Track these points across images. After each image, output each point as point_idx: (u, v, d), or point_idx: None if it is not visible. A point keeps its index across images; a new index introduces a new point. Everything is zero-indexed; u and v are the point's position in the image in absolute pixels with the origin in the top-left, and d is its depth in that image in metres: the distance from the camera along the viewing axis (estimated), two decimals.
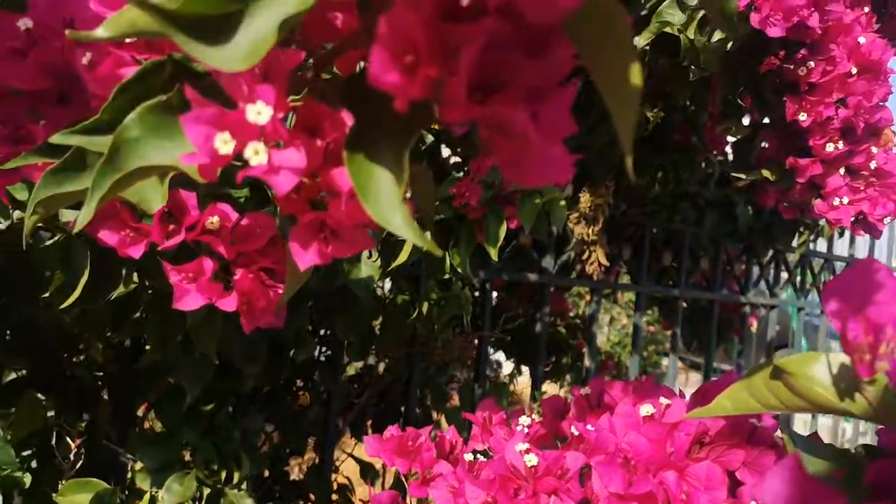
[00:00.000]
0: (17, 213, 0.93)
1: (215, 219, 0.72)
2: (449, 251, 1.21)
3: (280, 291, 0.71)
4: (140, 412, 1.42)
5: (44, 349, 1.19)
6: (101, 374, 1.33)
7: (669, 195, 2.13)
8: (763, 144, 1.29)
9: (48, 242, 0.89)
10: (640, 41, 1.24)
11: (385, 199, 0.50)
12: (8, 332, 1.16)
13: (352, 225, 0.51)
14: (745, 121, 1.42)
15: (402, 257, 1.14)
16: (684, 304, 2.36)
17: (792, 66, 1.16)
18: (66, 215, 0.87)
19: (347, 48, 0.47)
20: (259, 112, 0.52)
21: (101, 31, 0.55)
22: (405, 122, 0.48)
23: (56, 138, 0.64)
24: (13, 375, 1.24)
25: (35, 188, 0.66)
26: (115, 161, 0.58)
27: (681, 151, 2.04)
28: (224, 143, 0.53)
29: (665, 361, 4.13)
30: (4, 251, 0.95)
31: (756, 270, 2.52)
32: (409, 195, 0.63)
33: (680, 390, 0.77)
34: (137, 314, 1.04)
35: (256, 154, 0.53)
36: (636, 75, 0.37)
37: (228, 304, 0.68)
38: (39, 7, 0.67)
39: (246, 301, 0.69)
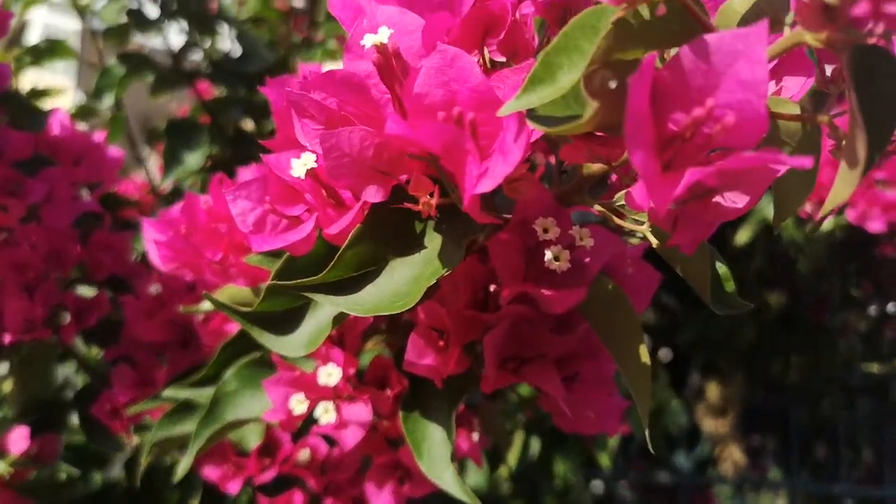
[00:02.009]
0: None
1: (306, 452, 0.76)
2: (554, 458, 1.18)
3: None
4: None
5: None
6: None
7: (812, 380, 1.98)
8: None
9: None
10: (741, 238, 1.24)
11: (436, 456, 0.53)
12: None
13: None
14: (872, 308, 1.34)
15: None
16: None
17: None
18: None
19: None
20: (330, 374, 0.58)
21: (206, 305, 0.64)
22: (451, 388, 0.51)
23: (169, 392, 0.72)
24: None
25: (152, 431, 0.74)
26: (214, 413, 0.65)
27: (817, 332, 1.93)
28: (298, 404, 0.58)
29: None
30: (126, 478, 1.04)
31: None
32: (477, 435, 0.65)
33: None
34: None
35: (326, 413, 0.58)
36: (644, 354, 0.39)
37: None
38: (166, 275, 0.79)
39: None
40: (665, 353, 1.79)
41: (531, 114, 0.28)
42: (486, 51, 0.34)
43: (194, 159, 1.23)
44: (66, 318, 0.86)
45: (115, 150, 0.90)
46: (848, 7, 0.22)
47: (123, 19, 1.21)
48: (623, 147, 0.29)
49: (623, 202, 0.40)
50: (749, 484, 2.00)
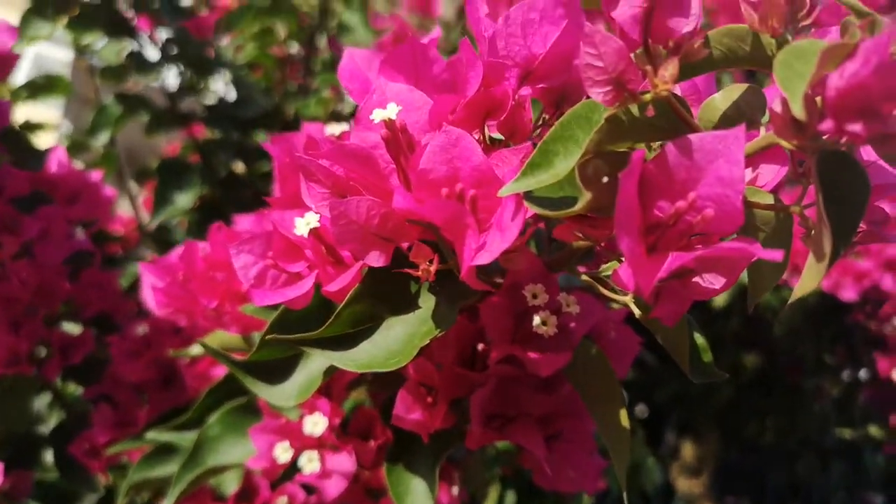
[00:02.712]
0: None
1: (284, 499, 0.76)
2: None
3: None
4: None
5: None
6: None
7: (787, 442, 1.99)
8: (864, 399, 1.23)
9: None
10: (719, 300, 1.27)
11: None
12: None
13: None
14: (846, 373, 1.37)
15: None
16: None
17: (876, 323, 1.14)
18: None
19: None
20: (316, 423, 0.59)
21: (196, 349, 0.65)
22: (436, 442, 0.52)
23: (151, 435, 0.72)
24: None
25: (130, 472, 0.74)
26: (196, 457, 0.66)
27: (792, 394, 1.95)
28: (283, 452, 0.59)
29: None
30: None
31: None
32: (457, 489, 0.66)
33: None
34: None
35: (310, 462, 0.59)
36: (624, 417, 0.41)
37: None
38: (154, 316, 0.80)
39: None
40: (641, 409, 1.80)
41: (528, 195, 0.30)
42: (486, 129, 0.37)
43: (185, 200, 1.24)
44: (47, 352, 0.87)
45: (109, 190, 0.92)
46: (814, 122, 0.25)
47: (122, 59, 1.24)
48: (610, 228, 0.31)
49: (607, 273, 0.42)
50: None
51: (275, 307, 0.48)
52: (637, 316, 0.39)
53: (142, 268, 0.60)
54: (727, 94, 0.31)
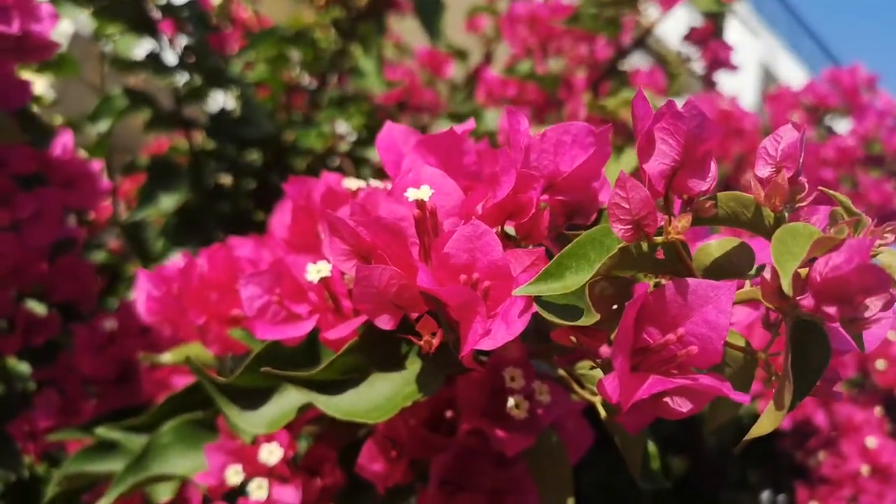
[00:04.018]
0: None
1: None
2: None
3: None
4: None
5: None
6: None
7: None
8: None
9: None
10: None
11: None
12: None
13: None
14: (764, 495, 1.42)
15: None
16: None
17: (803, 453, 1.20)
18: None
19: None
20: (272, 452, 0.61)
21: (166, 357, 0.67)
22: (389, 495, 0.54)
23: (101, 431, 0.73)
24: None
25: (66, 462, 0.74)
26: (142, 462, 0.67)
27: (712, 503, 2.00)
28: (235, 475, 0.61)
29: None
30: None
31: None
32: None
33: None
34: None
35: (259, 489, 0.61)
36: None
37: None
38: (123, 312, 0.81)
39: None
40: None
41: (538, 298, 0.34)
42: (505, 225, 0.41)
43: (169, 202, 1.26)
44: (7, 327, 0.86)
45: (106, 182, 0.93)
46: (796, 294, 0.29)
47: (137, 54, 1.26)
48: (603, 340, 0.35)
49: (582, 370, 0.46)
50: None
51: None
52: (602, 417, 0.43)
53: (140, 274, 0.62)
54: (722, 245, 0.36)
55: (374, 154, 1.53)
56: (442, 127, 1.59)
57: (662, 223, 0.33)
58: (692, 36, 1.49)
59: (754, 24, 9.33)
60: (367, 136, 1.53)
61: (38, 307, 0.93)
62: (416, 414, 0.49)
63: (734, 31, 1.51)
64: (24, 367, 1.00)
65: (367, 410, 0.42)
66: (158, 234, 1.41)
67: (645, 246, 0.34)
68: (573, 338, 0.35)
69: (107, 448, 0.75)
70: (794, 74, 9.56)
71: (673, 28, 2.01)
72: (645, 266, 0.34)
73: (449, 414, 0.51)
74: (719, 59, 1.45)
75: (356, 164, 1.55)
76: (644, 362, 0.33)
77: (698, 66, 1.51)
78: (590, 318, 0.32)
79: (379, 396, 0.43)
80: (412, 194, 0.39)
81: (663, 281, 0.36)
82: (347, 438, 0.62)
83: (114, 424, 0.74)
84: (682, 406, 0.34)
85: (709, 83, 1.50)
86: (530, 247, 0.40)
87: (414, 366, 0.44)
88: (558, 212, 0.41)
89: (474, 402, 0.46)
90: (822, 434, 1.12)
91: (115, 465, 0.74)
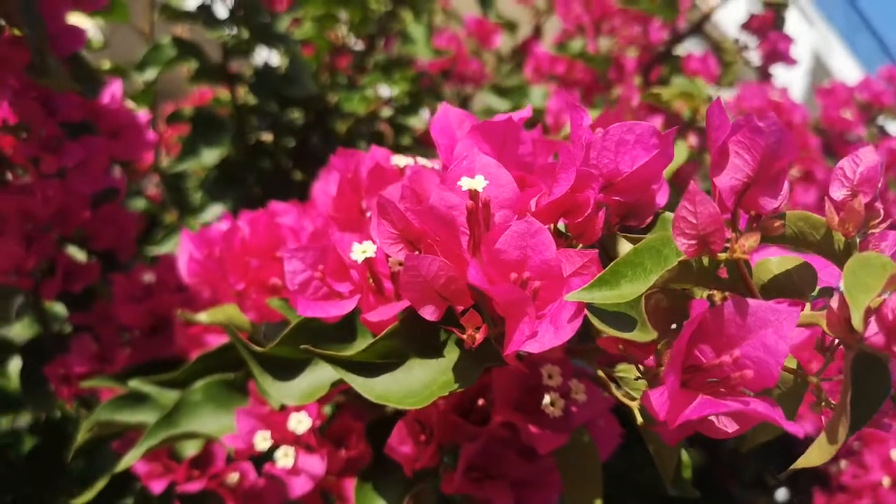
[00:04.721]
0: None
1: (236, 475, 0.78)
2: None
3: None
4: None
5: None
6: None
7: None
8: None
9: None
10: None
11: None
12: None
13: None
14: (780, 494, 1.41)
15: None
16: None
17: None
18: None
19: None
20: (300, 421, 0.61)
21: (202, 317, 0.67)
22: (413, 476, 0.55)
23: (134, 384, 0.74)
24: None
25: (98, 409, 0.75)
26: (173, 418, 0.68)
27: (723, 501, 1.98)
28: (263, 440, 0.62)
29: None
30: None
31: None
32: None
33: None
34: None
35: (285, 457, 0.61)
36: (599, 502, 0.44)
37: None
38: (162, 267, 0.82)
39: None
40: None
41: (590, 305, 0.33)
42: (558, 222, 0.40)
43: (211, 156, 1.26)
44: (48, 270, 0.88)
45: (152, 134, 0.93)
46: (864, 329, 0.28)
47: (188, 4, 1.26)
48: (651, 351, 0.34)
49: (622, 373, 0.45)
50: None
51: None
52: (638, 423, 0.42)
53: (184, 235, 0.62)
54: (783, 262, 0.35)
55: (415, 122, 1.52)
56: (486, 99, 1.57)
57: (727, 238, 0.32)
58: (751, 24, 1.45)
59: (811, 12, 9.04)
60: (410, 103, 1.52)
61: (78, 254, 0.94)
62: (448, 399, 0.49)
63: (790, 19, 1.46)
64: (60, 309, 1.02)
65: (403, 396, 0.42)
66: (198, 186, 1.42)
67: (706, 261, 0.33)
68: (621, 346, 0.34)
69: (138, 399, 0.76)
70: (847, 69, 9.27)
71: (732, 14, 1.95)
72: (705, 281, 0.33)
73: (481, 402, 0.50)
74: (778, 50, 1.41)
75: (396, 131, 1.54)
76: (693, 379, 0.32)
77: (754, 55, 1.47)
78: (645, 335, 0.31)
79: (415, 383, 0.42)
80: (466, 184, 0.38)
81: (717, 295, 0.35)
82: (374, 413, 0.63)
83: (147, 378, 0.75)
84: (729, 427, 0.33)
85: (764, 75, 1.45)
86: (580, 247, 0.39)
87: (452, 354, 0.44)
88: (613, 212, 0.40)
89: (509, 395, 0.46)
90: (847, 442, 1.10)
91: (145, 416, 0.75)
